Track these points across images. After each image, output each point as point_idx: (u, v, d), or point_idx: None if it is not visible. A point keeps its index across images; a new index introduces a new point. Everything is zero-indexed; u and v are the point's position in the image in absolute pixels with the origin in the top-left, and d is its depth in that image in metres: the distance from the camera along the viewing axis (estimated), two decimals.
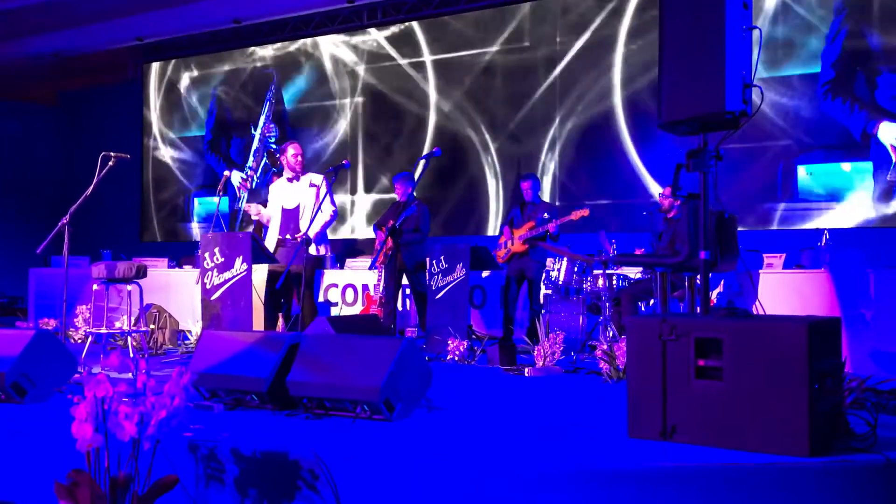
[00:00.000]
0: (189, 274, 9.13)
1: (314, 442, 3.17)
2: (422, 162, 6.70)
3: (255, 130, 12.68)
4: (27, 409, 4.10)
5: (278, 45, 12.75)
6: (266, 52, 12.88)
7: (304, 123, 12.45)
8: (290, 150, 6.85)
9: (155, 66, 14.02)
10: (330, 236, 7.51)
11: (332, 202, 6.70)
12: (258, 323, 6.51)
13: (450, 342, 6.43)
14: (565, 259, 7.37)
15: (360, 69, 12.04)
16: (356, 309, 9.01)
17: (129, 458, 2.72)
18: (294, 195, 6.78)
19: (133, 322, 6.76)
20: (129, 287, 6.17)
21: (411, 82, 11.61)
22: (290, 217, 6.75)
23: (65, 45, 13.09)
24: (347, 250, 11.26)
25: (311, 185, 6.69)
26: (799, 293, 6.37)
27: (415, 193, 7.75)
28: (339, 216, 7.13)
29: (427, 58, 11.48)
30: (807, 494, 2.85)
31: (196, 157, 13.55)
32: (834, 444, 3.12)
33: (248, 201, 11.60)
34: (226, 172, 6.96)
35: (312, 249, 6.58)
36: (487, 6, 11.03)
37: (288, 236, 6.69)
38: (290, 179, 6.82)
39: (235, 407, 4.07)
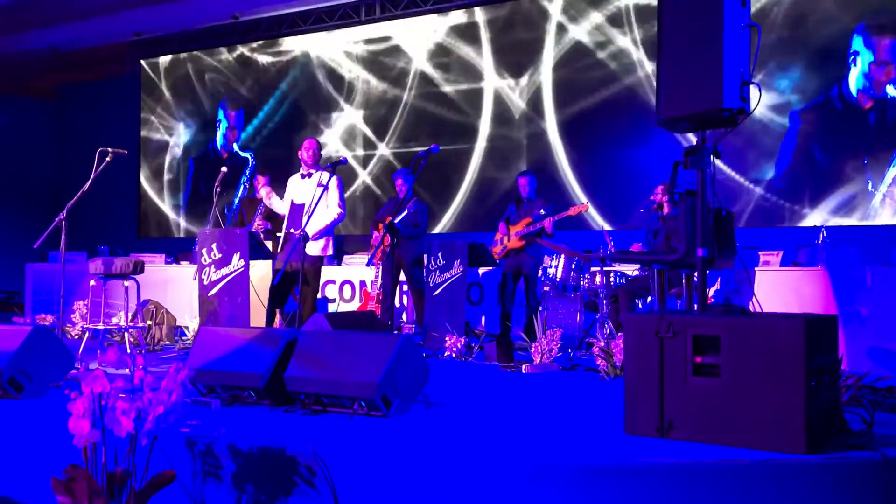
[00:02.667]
0: (186, 270, 9.12)
1: (311, 438, 3.17)
2: (419, 159, 6.67)
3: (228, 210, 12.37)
4: (24, 405, 4.10)
5: (275, 48, 12.73)
6: (266, 58, 12.86)
7: (306, 121, 12.43)
8: (304, 145, 6.87)
9: (152, 61, 13.99)
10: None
11: (341, 202, 6.64)
12: (255, 319, 6.51)
13: (447, 339, 6.44)
14: (563, 256, 7.37)
15: (358, 66, 12.03)
16: (353, 305, 9.01)
17: (126, 454, 2.72)
18: (304, 191, 6.75)
19: (130, 318, 6.75)
20: (126, 283, 6.16)
21: (409, 77, 11.61)
22: (297, 212, 6.73)
23: (62, 40, 13.07)
24: (345, 247, 11.25)
25: (320, 184, 6.64)
26: (796, 291, 6.38)
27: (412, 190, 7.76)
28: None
29: (424, 57, 11.49)
30: (803, 491, 2.85)
31: (191, 154, 13.54)
32: (830, 441, 3.12)
33: None
34: (223, 168, 6.94)
35: (313, 248, 6.54)
36: (485, 4, 11.03)
37: (292, 230, 6.68)
38: (302, 175, 6.81)
39: (233, 403, 4.07)
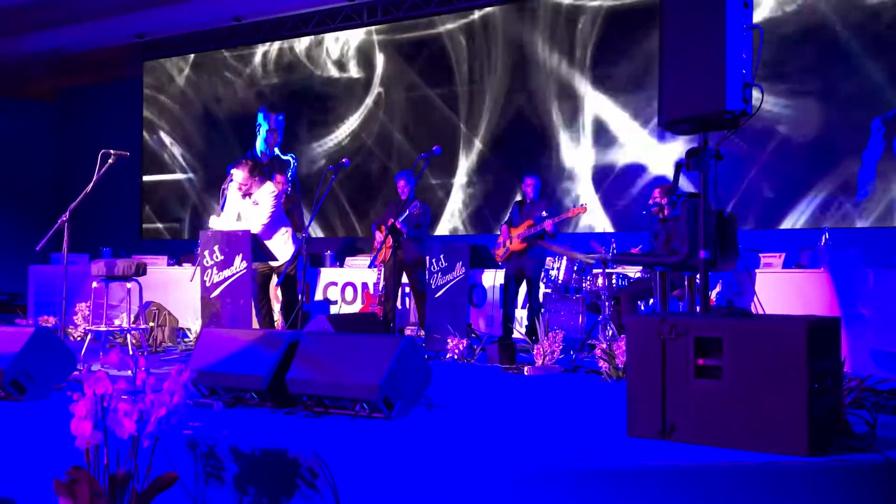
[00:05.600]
0: (189, 272, 9.11)
1: (313, 440, 3.17)
2: (421, 160, 6.68)
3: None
4: (26, 407, 4.10)
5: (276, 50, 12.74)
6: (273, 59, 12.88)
7: (312, 121, 12.44)
8: (236, 181, 6.69)
9: (154, 64, 14.01)
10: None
11: (271, 215, 6.52)
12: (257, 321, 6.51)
13: (449, 340, 6.43)
14: (565, 258, 7.37)
15: (363, 66, 12.04)
16: (355, 307, 9.01)
17: (128, 456, 2.72)
18: (244, 209, 6.69)
19: (132, 320, 6.75)
20: (128, 285, 6.17)
21: (415, 80, 11.63)
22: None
23: (65, 43, 13.10)
24: (347, 248, 11.26)
25: (255, 203, 6.56)
26: (799, 293, 6.37)
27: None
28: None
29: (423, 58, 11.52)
30: (805, 494, 2.85)
31: (193, 156, 13.55)
32: (833, 443, 3.12)
33: None
34: (233, 171, 6.91)
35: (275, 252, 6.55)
36: (483, 5, 11.04)
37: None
38: (243, 196, 6.67)
39: (235, 405, 4.07)
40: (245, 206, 6.64)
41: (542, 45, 10.60)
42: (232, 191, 6.74)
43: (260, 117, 10.80)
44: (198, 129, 13.54)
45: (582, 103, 10.33)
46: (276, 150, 11.39)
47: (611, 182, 10.10)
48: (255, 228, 6.43)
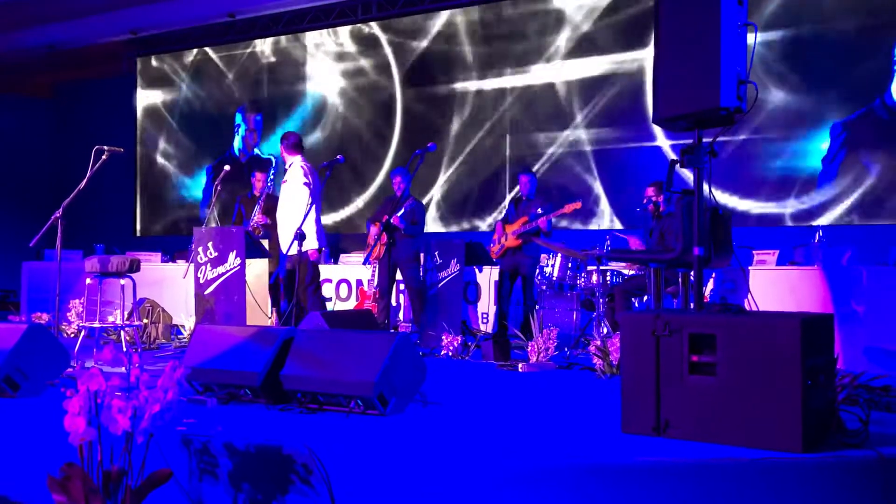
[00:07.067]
0: (183, 269, 9.10)
1: (308, 436, 3.17)
2: (416, 157, 6.67)
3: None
4: (20, 403, 4.10)
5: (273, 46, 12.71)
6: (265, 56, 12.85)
7: (307, 118, 12.42)
8: None
9: (149, 60, 13.97)
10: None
11: (306, 185, 6.47)
12: (252, 317, 6.50)
13: (444, 337, 6.44)
14: (559, 255, 7.38)
15: (355, 63, 12.02)
16: (350, 304, 9.01)
17: (122, 452, 2.72)
18: (285, 185, 6.70)
19: (126, 316, 6.74)
20: (122, 281, 6.15)
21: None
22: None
23: (59, 38, 13.05)
24: (341, 245, 11.25)
25: (283, 181, 6.52)
26: (792, 290, 6.39)
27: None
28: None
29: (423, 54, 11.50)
30: (799, 490, 2.86)
31: (187, 152, 13.52)
32: (826, 439, 3.13)
33: None
34: (226, 167, 6.90)
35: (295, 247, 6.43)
36: (481, 3, 11.02)
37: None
38: (284, 170, 6.71)
39: (229, 401, 4.06)
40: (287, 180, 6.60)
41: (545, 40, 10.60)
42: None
43: (238, 117, 10.74)
44: (192, 126, 13.50)
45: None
46: (256, 150, 11.33)
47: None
48: (301, 203, 6.36)
